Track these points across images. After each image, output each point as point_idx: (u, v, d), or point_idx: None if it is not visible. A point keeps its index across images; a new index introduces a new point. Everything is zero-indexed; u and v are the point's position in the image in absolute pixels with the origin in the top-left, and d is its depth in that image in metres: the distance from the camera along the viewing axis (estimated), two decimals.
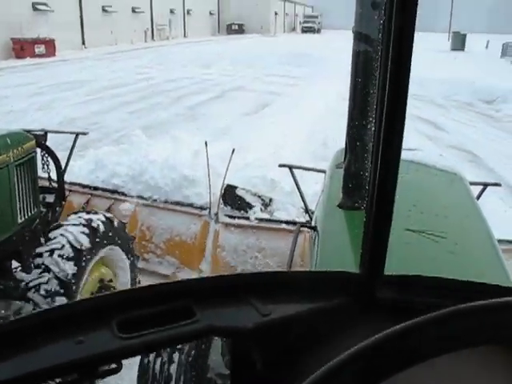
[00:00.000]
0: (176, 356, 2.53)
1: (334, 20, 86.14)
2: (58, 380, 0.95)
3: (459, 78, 19.81)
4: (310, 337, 1.07)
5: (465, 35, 45.36)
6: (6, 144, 3.32)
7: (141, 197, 5.17)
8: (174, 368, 2.53)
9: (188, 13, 56.40)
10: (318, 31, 77.97)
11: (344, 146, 2.32)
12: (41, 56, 28.79)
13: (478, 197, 3.00)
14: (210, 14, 64.55)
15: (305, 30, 75.89)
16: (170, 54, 29.51)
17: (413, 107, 14.79)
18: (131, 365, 2.34)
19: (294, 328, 1.08)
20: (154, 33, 48.42)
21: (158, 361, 2.56)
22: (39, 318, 1.01)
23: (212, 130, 10.53)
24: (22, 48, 28.43)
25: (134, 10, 44.15)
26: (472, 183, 2.88)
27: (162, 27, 50.19)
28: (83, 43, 36.78)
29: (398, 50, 0.88)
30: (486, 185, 3.24)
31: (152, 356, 2.56)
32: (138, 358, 2.56)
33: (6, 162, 3.28)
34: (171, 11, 52.08)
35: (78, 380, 0.95)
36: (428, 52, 39.01)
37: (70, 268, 3.36)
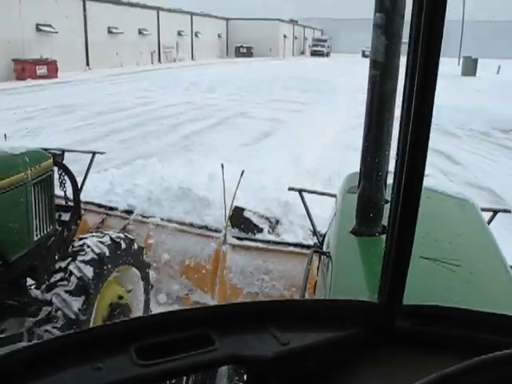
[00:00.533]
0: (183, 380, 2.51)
1: (344, 44, 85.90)
2: None
3: (473, 106, 18.87)
4: (328, 366, 1.06)
5: (476, 60, 44.45)
6: (24, 162, 3.35)
7: (156, 218, 5.23)
8: None
9: (196, 35, 56.19)
10: (328, 55, 77.72)
11: (358, 170, 2.31)
12: (42, 77, 28.24)
13: (489, 222, 2.95)
14: (219, 36, 64.41)
15: (314, 54, 75.64)
16: (175, 76, 28.76)
17: None
18: None
19: (312, 357, 1.07)
20: (160, 55, 48.05)
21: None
22: (57, 342, 1.01)
23: (204, 165, 9.53)
24: (23, 69, 27.91)
25: (140, 32, 43.85)
26: (483, 209, 2.85)
27: (169, 49, 49.87)
28: (87, 64, 36.31)
29: (423, 80, 0.91)
30: (496, 211, 3.20)
31: None
32: None
33: (24, 180, 3.33)
34: (179, 33, 51.85)
35: None
36: (438, 78, 37.93)
37: (90, 274, 3.43)
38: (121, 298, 3.83)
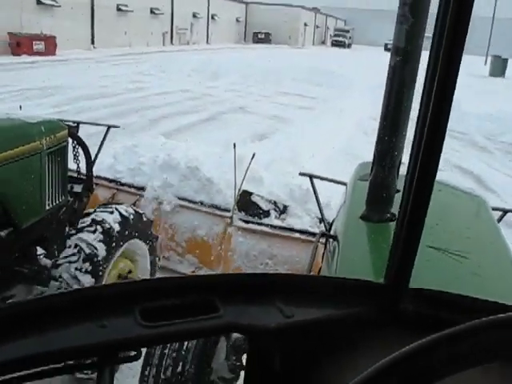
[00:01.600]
0: (181, 354, 2.53)
1: (367, 35, 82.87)
2: (77, 361, 0.99)
3: (504, 113, 16.55)
4: (330, 342, 1.07)
5: (506, 60, 41.67)
6: (39, 131, 3.39)
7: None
8: (178, 365, 2.53)
9: (212, 18, 53.87)
10: (349, 46, 75.03)
11: (368, 161, 2.38)
12: (39, 54, 26.33)
13: (498, 221, 2.91)
14: (237, 20, 61.96)
15: (335, 44, 73.01)
16: (183, 60, 26.59)
17: (450, 150, 11.62)
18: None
19: (315, 332, 1.08)
20: (173, 37, 45.91)
21: (164, 356, 2.56)
22: (64, 297, 1.02)
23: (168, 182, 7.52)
24: (19, 44, 26.00)
25: (152, 11, 41.68)
26: (493, 208, 2.87)
27: (183, 31, 47.70)
28: (92, 43, 34.35)
29: (444, 74, 0.91)
30: (506, 211, 3.23)
31: (158, 351, 2.57)
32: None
33: (39, 148, 3.35)
34: (194, 15, 49.59)
35: (98, 363, 0.97)
36: (464, 78, 35.48)
37: (100, 249, 3.41)
38: (130, 272, 3.83)
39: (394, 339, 0.80)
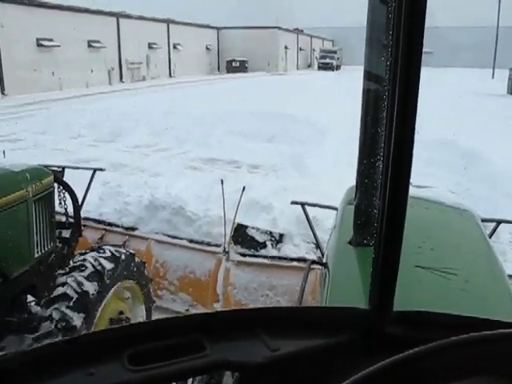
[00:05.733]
0: None
1: (358, 55, 75.74)
2: None
3: None
4: (318, 372, 1.08)
5: None
6: (25, 179, 3.40)
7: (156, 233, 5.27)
8: None
9: (175, 47, 46.72)
10: (338, 68, 68.04)
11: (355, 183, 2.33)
12: None
13: (491, 234, 2.96)
14: (207, 48, 54.86)
15: (321, 67, 65.98)
16: (100, 107, 18.97)
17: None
18: None
19: (302, 363, 1.08)
20: (122, 73, 38.61)
21: None
22: (51, 348, 1.02)
23: None
24: None
25: (90, 45, 34.41)
26: (484, 220, 2.83)
27: (137, 66, 40.49)
28: (2, 90, 26.95)
29: (405, 86, 0.92)
30: (499, 222, 3.19)
31: None
32: None
33: (25, 196, 3.37)
34: (150, 46, 42.43)
35: None
36: (477, 98, 28.07)
37: (90, 289, 3.39)
38: (121, 313, 3.77)
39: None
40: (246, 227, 5.13)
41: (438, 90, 25.51)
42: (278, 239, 5.12)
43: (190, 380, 2.39)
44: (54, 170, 3.85)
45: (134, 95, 26.22)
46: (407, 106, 0.91)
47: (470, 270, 2.08)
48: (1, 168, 3.31)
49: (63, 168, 4.26)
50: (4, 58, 27.05)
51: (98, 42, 34.77)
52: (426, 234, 2.26)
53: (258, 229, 5.16)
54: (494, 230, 3.15)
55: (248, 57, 55.62)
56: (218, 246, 4.86)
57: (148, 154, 12.86)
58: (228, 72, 53.53)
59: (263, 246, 5.05)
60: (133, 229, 5.26)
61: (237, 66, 54.41)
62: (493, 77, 51.61)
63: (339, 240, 2.38)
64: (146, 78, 41.28)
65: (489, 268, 2.14)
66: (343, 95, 24.22)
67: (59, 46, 30.39)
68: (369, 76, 2.06)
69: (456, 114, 17.87)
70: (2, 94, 26.64)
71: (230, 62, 54.97)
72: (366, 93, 2.10)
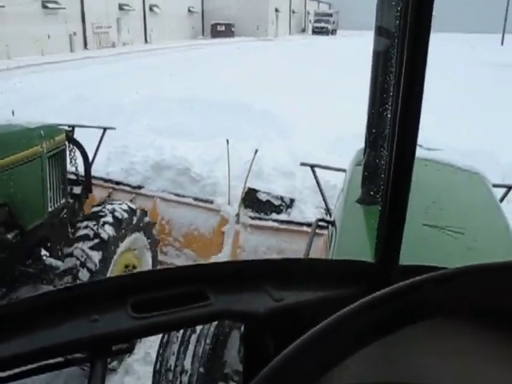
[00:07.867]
0: (192, 349, 2.55)
1: (355, 19, 70.80)
2: (71, 356, 0.98)
3: None
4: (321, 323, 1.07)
5: None
6: (39, 136, 3.53)
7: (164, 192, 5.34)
8: (190, 361, 2.56)
9: (151, 9, 42.12)
10: (333, 32, 63.60)
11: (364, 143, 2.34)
12: None
13: (502, 199, 2.93)
14: (190, 11, 50.11)
15: (316, 31, 61.44)
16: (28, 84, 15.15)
17: None
18: None
19: (306, 314, 1.07)
20: (86, 39, 34.22)
21: (175, 353, 2.59)
22: (57, 295, 1.02)
23: None
24: None
25: (45, 6, 30.01)
26: (495, 185, 2.82)
27: (105, 30, 36.07)
28: None
29: (413, 47, 0.90)
30: (510, 187, 3.16)
31: (169, 350, 2.61)
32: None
33: (40, 153, 3.51)
34: (120, 7, 37.89)
35: (91, 357, 0.97)
36: (487, 70, 24.08)
37: (110, 232, 3.59)
38: (134, 267, 3.97)
39: None
40: (257, 191, 5.08)
41: (445, 60, 21.67)
42: (289, 204, 5.06)
43: (198, 333, 2.55)
44: (64, 129, 3.98)
45: (85, 66, 22.22)
46: (416, 64, 0.91)
47: (479, 229, 2.10)
48: (17, 125, 3.45)
49: (73, 127, 4.41)
50: None
51: (54, 1, 30.33)
52: (436, 194, 2.30)
53: (268, 193, 5.10)
54: (505, 194, 3.09)
55: (235, 20, 50.99)
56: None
57: None
58: (213, 37, 48.98)
59: (274, 210, 5.00)
60: (139, 187, 5.35)
61: (222, 31, 49.89)
62: (502, 43, 47.32)
63: (347, 199, 2.42)
64: (117, 45, 36.96)
65: (498, 229, 2.15)
66: (336, 69, 20.32)
67: (3, 6, 26.05)
68: (380, 32, 2.04)
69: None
70: None
71: (214, 26, 50.38)
72: (377, 51, 2.07)
